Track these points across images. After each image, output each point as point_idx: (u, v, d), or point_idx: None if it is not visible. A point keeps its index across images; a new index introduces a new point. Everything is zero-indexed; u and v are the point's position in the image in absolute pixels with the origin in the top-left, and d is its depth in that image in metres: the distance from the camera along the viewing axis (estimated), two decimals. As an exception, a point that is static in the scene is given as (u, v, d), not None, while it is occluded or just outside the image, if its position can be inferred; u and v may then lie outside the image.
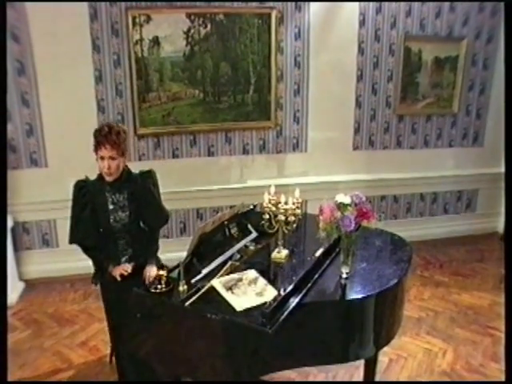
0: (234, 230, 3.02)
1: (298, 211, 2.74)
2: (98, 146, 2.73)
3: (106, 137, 2.70)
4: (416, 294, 4.61)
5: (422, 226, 5.80)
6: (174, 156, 4.97)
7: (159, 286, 2.48)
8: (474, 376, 3.50)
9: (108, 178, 2.81)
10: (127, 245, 2.97)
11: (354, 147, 5.42)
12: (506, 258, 1.80)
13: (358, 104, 5.30)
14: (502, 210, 5.84)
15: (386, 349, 3.61)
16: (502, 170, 5.76)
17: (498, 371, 3.53)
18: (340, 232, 2.49)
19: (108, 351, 3.62)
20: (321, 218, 2.50)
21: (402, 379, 3.49)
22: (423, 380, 3.48)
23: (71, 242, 2.93)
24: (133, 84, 4.67)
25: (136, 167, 4.77)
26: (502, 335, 3.98)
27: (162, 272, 2.53)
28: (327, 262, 2.75)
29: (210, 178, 5.02)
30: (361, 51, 5.17)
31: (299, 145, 5.26)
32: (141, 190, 2.92)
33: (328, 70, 5.07)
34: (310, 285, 2.48)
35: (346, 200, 2.48)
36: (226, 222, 2.93)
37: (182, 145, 4.97)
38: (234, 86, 4.94)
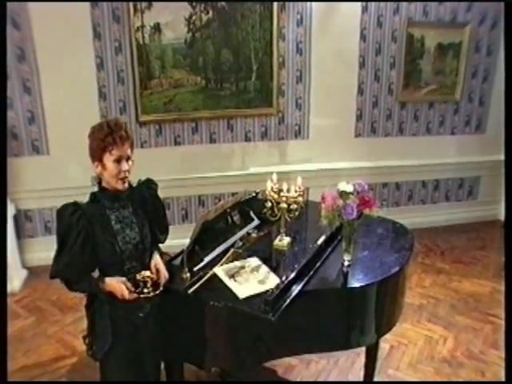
0: (236, 218, 3.02)
1: (300, 199, 2.74)
2: (108, 146, 2.19)
3: (118, 132, 2.20)
4: (417, 282, 4.63)
5: (423, 214, 5.80)
6: (176, 143, 4.97)
7: (145, 290, 2.27)
8: (474, 363, 3.53)
9: (123, 186, 2.28)
10: (141, 266, 2.38)
11: (356, 134, 5.41)
12: (506, 248, 1.79)
13: (360, 91, 5.28)
14: (504, 197, 5.84)
15: (387, 336, 3.62)
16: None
17: (497, 358, 3.56)
18: (342, 220, 2.49)
19: (111, 338, 3.65)
20: (323, 205, 2.50)
21: (402, 366, 3.52)
22: (424, 367, 3.51)
23: (55, 275, 2.28)
24: (134, 71, 4.65)
25: (138, 154, 4.79)
26: (502, 322, 3.99)
27: (148, 273, 2.29)
28: (329, 249, 2.76)
29: (211, 165, 5.02)
30: (363, 38, 5.13)
31: (301, 132, 5.24)
32: (150, 201, 2.47)
33: (330, 56, 5.04)
34: (311, 272, 2.49)
35: (349, 188, 2.47)
36: (228, 210, 2.93)
37: (183, 132, 4.96)
38: (235, 73, 4.92)
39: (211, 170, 5.01)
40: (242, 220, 3.06)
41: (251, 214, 3.13)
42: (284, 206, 2.73)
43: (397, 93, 5.37)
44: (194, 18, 4.65)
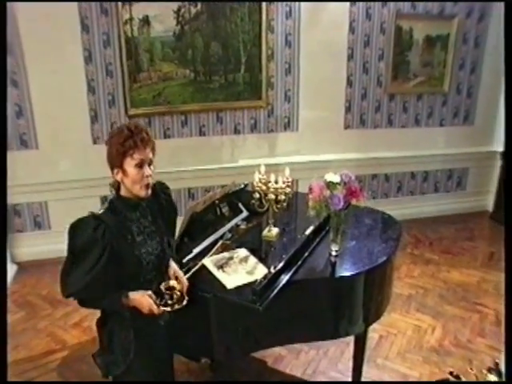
0: (225, 210, 3.04)
1: (288, 190, 2.76)
2: (128, 150, 2.04)
3: (139, 135, 2.05)
4: (406, 272, 4.67)
5: (412, 205, 5.84)
6: (166, 136, 4.96)
7: (170, 302, 2.14)
8: (461, 351, 3.57)
9: (146, 193, 2.13)
10: (160, 275, 2.26)
11: (345, 126, 5.42)
12: (506, 248, 1.78)
13: (349, 83, 5.29)
14: (492, 188, 5.90)
15: (376, 326, 3.69)
16: (493, 148, 5.83)
17: (484, 346, 3.61)
18: (329, 210, 2.51)
19: (101, 331, 3.66)
20: (310, 196, 2.52)
21: (391, 355, 3.56)
22: (412, 356, 3.55)
23: (73, 294, 2.14)
24: (123, 64, 4.62)
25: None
26: (490, 311, 4.06)
27: (173, 283, 2.16)
28: (317, 240, 2.78)
29: (201, 157, 5.02)
30: (352, 30, 5.13)
31: (290, 124, 5.25)
32: (166, 207, 2.34)
33: (319, 48, 5.04)
34: (299, 263, 2.51)
35: (336, 179, 2.49)
36: (217, 202, 2.95)
37: (173, 125, 4.95)
38: (224, 66, 4.91)
39: (201, 162, 5.01)
40: (231, 212, 3.08)
41: (240, 205, 3.15)
42: (272, 197, 2.75)
43: (385, 85, 5.39)
44: (182, 10, 4.63)
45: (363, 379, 3.24)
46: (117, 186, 2.15)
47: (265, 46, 4.91)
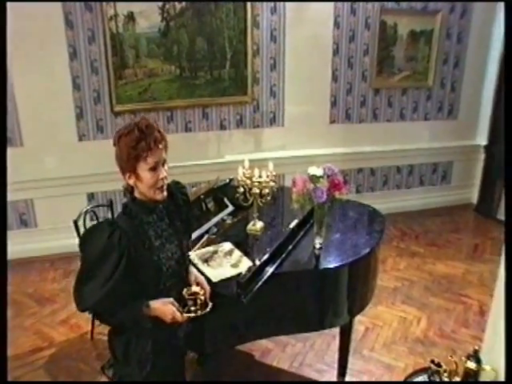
0: (210, 205, 3.06)
1: (272, 184, 2.78)
2: (141, 154, 1.89)
3: (152, 135, 1.91)
4: (392, 265, 4.72)
5: (398, 198, 5.89)
6: (152, 133, 4.95)
7: (192, 308, 2.02)
8: (446, 342, 3.63)
9: (162, 196, 2.00)
10: (180, 282, 2.12)
11: (330, 121, 5.45)
12: (507, 248, 1.80)
13: (335, 78, 5.31)
14: (476, 181, 5.97)
15: (362, 318, 3.75)
16: (476, 142, 5.91)
17: (468, 336, 3.67)
18: (313, 203, 2.54)
19: (89, 328, 3.66)
20: (294, 189, 2.55)
21: (377, 347, 3.60)
22: (397, 347, 3.59)
23: (90, 308, 2.06)
24: (108, 61, 4.60)
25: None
26: (474, 302, 4.12)
27: (197, 289, 2.04)
28: (302, 233, 2.81)
29: (187, 153, 5.01)
30: (337, 25, 5.16)
31: (276, 119, 5.27)
32: (184, 208, 2.21)
33: (304, 44, 5.06)
34: (284, 255, 2.54)
35: (319, 172, 2.51)
36: (202, 197, 2.96)
37: (159, 121, 4.94)
38: (210, 62, 4.91)
39: (187, 158, 4.99)
40: (217, 206, 3.10)
41: (225, 200, 3.16)
42: (256, 191, 2.77)
43: (370, 79, 5.42)
44: (167, 6, 4.62)
45: (349, 371, 3.29)
46: (130, 188, 2.01)
47: (250, 41, 4.92)
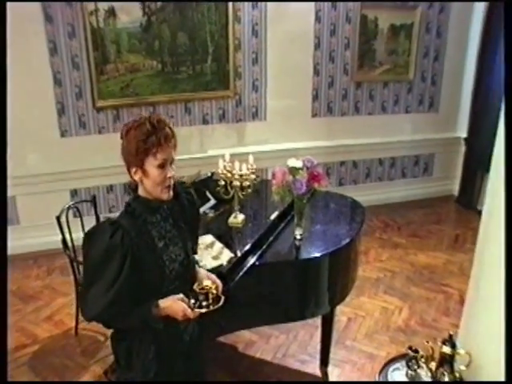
0: (192, 198, 3.07)
1: (253, 176, 2.81)
2: (151, 149, 1.82)
3: (163, 131, 1.84)
4: (375, 256, 4.78)
5: (380, 191, 5.94)
6: (135, 128, 4.93)
7: (204, 303, 1.93)
8: (427, 330, 3.69)
9: (168, 196, 1.92)
10: (184, 285, 2.01)
11: (312, 114, 5.48)
12: (507, 250, 1.83)
13: (316, 72, 5.34)
14: (457, 173, 6.05)
15: (344, 308, 3.80)
16: (457, 134, 5.98)
17: (449, 324, 3.72)
18: (292, 195, 2.57)
19: (73, 324, 3.65)
20: (273, 182, 2.58)
21: (359, 337, 3.65)
22: (379, 336, 3.65)
23: (97, 316, 1.92)
24: (89, 56, 4.57)
25: (97, 141, 4.81)
26: (455, 292, 4.19)
27: (208, 283, 1.97)
28: (282, 225, 2.84)
29: (170, 148, 5.01)
30: (318, 19, 5.18)
31: (258, 113, 5.29)
32: (189, 209, 2.11)
33: (285, 38, 5.07)
34: (264, 247, 2.57)
35: (298, 164, 2.55)
36: (183, 190, 2.97)
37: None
38: (192, 56, 4.90)
39: (170, 153, 5.00)
40: (198, 200, 3.11)
41: (207, 193, 3.18)
42: (237, 183, 2.79)
43: (352, 73, 5.46)
44: (148, 1, 4.61)
45: (332, 360, 3.34)
46: (134, 185, 1.94)
47: (232, 36, 4.92)
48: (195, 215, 2.19)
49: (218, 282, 2.06)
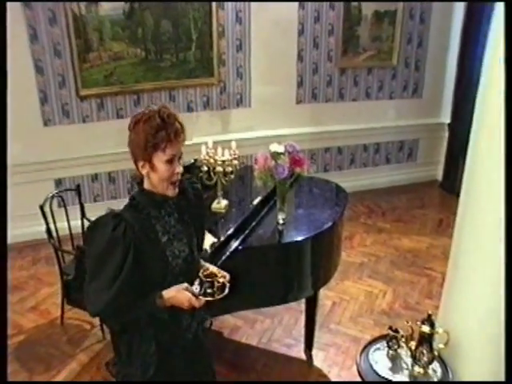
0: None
1: (236, 162, 2.82)
2: (160, 143, 1.77)
3: (173, 126, 1.78)
4: (359, 241, 4.82)
5: (365, 176, 5.97)
6: (119, 116, 4.90)
7: (209, 291, 1.88)
8: (410, 313, 3.74)
9: (174, 192, 1.87)
10: (188, 281, 1.92)
11: (297, 101, 5.48)
12: (507, 251, 1.85)
13: (300, 58, 5.33)
14: (441, 158, 6.10)
15: (329, 293, 3.85)
16: (440, 120, 6.02)
17: (431, 307, 3.72)
18: (275, 180, 2.59)
19: (59, 313, 3.65)
20: (256, 167, 2.59)
21: (344, 320, 3.71)
22: (364, 319, 3.71)
23: (102, 312, 1.89)
24: (72, 43, 4.51)
25: (81, 129, 4.78)
26: (438, 275, 4.24)
27: (214, 269, 1.94)
28: (265, 210, 2.86)
29: (155, 136, 5.00)
30: (302, 6, 5.16)
31: (243, 100, 5.28)
32: (195, 203, 2.05)
33: (269, 24, 5.05)
34: (247, 231, 2.59)
35: (280, 149, 2.57)
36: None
37: (126, 105, 4.91)
38: (175, 44, 4.87)
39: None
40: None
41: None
42: (220, 169, 2.80)
43: (336, 59, 5.46)
44: (131, -12, 4.56)
45: (316, 344, 3.39)
46: (139, 178, 1.89)
47: (215, 23, 4.89)
48: (202, 211, 2.15)
49: (225, 273, 2.00)
